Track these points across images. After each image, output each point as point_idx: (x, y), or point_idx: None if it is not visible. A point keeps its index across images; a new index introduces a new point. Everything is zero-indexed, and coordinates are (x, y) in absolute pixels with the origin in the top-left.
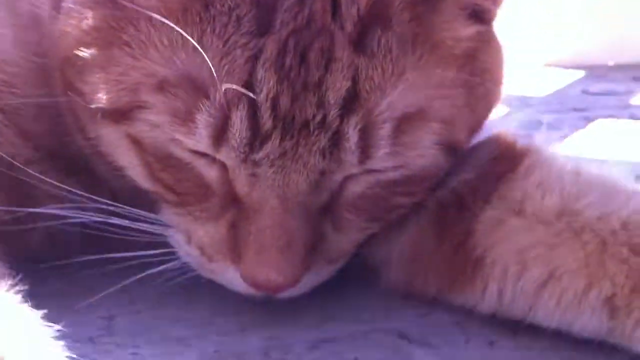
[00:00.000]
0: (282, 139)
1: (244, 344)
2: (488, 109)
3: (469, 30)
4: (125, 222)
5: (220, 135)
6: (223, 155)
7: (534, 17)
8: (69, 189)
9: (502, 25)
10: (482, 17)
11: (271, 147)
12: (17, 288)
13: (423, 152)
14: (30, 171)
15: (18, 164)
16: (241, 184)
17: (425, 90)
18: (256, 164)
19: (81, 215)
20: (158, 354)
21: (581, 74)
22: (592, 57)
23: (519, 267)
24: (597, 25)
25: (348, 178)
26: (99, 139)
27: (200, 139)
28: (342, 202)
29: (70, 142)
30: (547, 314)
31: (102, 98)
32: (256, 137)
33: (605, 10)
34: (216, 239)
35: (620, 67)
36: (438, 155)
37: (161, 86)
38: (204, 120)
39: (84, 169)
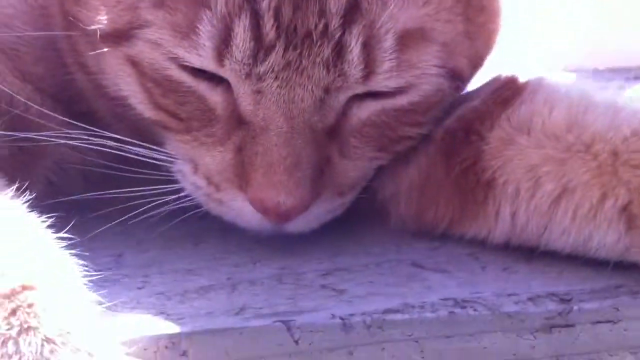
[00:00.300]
0: (285, 50)
1: (256, 273)
2: (487, 43)
3: None
4: (134, 151)
5: (223, 47)
6: (227, 70)
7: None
8: (70, 132)
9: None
10: None
11: (275, 58)
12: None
13: (426, 73)
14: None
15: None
16: (246, 103)
17: (425, 9)
18: (260, 78)
19: (91, 145)
20: (168, 281)
21: None
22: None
23: (531, 184)
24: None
25: (353, 101)
26: (100, 68)
27: (203, 52)
28: (348, 128)
29: (70, 85)
30: (562, 232)
31: (101, 20)
32: (260, 48)
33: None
34: (223, 165)
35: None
36: (441, 81)
37: (161, 1)
38: (206, 32)
39: (86, 113)
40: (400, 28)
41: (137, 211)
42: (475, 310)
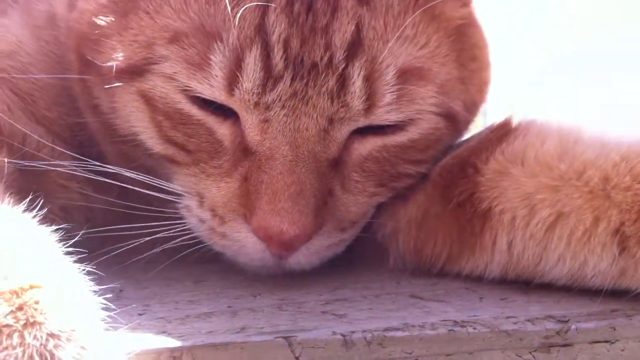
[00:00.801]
0: (293, 79)
1: (256, 303)
2: (480, 91)
3: (461, 10)
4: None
5: (234, 77)
6: (236, 100)
7: None
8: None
9: None
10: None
11: (283, 87)
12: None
13: (424, 110)
14: (42, 155)
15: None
16: (253, 133)
17: (423, 51)
18: (268, 107)
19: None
20: (169, 309)
21: None
22: None
23: (526, 211)
24: None
25: (355, 136)
26: (112, 107)
27: (214, 82)
28: (350, 162)
29: (82, 129)
30: (558, 259)
31: (117, 57)
32: (269, 78)
33: None
34: (229, 195)
35: None
36: (438, 120)
37: (175, 38)
38: (218, 62)
39: (95, 157)
40: (400, 65)
41: (139, 249)
42: (474, 328)
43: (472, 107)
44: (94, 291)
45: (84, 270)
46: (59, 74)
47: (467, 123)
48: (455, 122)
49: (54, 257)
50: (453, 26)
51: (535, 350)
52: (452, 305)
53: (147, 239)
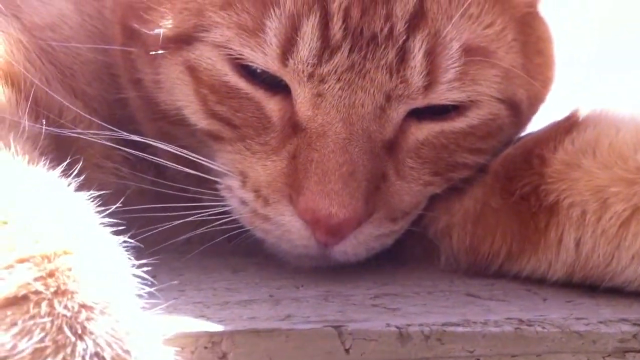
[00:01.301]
0: (350, 51)
1: (300, 293)
2: (545, 85)
3: None
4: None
5: (288, 46)
6: (289, 71)
7: None
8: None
9: None
10: None
11: (340, 58)
12: None
13: (486, 93)
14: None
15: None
16: (305, 107)
17: (488, 31)
18: (323, 79)
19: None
20: (207, 295)
21: None
22: None
23: (598, 206)
24: None
25: (412, 119)
26: (156, 80)
27: (268, 50)
28: (405, 147)
29: (121, 108)
30: (631, 258)
31: (166, 24)
32: (325, 48)
33: None
34: (275, 174)
35: None
36: (500, 107)
37: (228, 2)
38: (274, 28)
39: (131, 142)
40: (464, 41)
41: (174, 232)
42: (543, 328)
43: (535, 103)
44: (133, 265)
45: (122, 243)
46: (102, 51)
47: (528, 118)
48: (518, 112)
49: (90, 224)
50: (519, 13)
51: (609, 355)
52: (514, 304)
53: (181, 221)
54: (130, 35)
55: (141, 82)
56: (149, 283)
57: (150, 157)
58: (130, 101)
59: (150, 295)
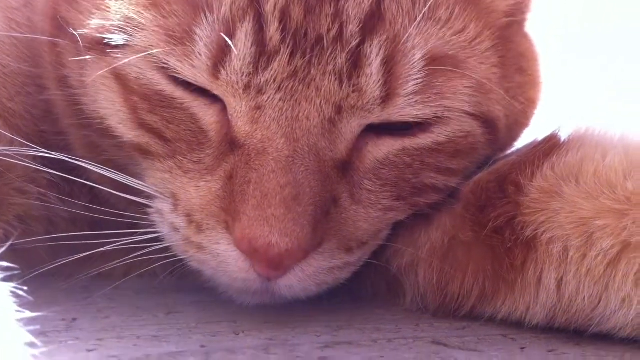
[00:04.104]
0: (292, 56)
1: (237, 342)
2: (525, 109)
3: (507, 2)
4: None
5: (221, 56)
6: (222, 84)
7: None
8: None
9: None
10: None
11: (278, 65)
12: None
13: (455, 107)
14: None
15: None
16: (242, 122)
17: (459, 38)
18: (260, 90)
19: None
20: (126, 346)
21: None
22: None
23: (582, 241)
24: None
25: (368, 136)
26: (81, 81)
27: (197, 61)
28: (361, 168)
29: (49, 122)
30: (622, 302)
31: (90, 24)
32: (262, 54)
33: None
34: (209, 197)
35: None
36: (473, 124)
37: (154, 2)
38: (204, 37)
39: (59, 162)
40: (430, 49)
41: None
42: None
43: (514, 127)
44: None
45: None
46: (29, 60)
47: (508, 140)
48: (495, 130)
49: None
50: (497, 21)
51: None
52: (487, 355)
53: (110, 248)
54: (58, 26)
55: (67, 80)
56: (64, 331)
57: (74, 178)
58: (56, 104)
59: (59, 348)
